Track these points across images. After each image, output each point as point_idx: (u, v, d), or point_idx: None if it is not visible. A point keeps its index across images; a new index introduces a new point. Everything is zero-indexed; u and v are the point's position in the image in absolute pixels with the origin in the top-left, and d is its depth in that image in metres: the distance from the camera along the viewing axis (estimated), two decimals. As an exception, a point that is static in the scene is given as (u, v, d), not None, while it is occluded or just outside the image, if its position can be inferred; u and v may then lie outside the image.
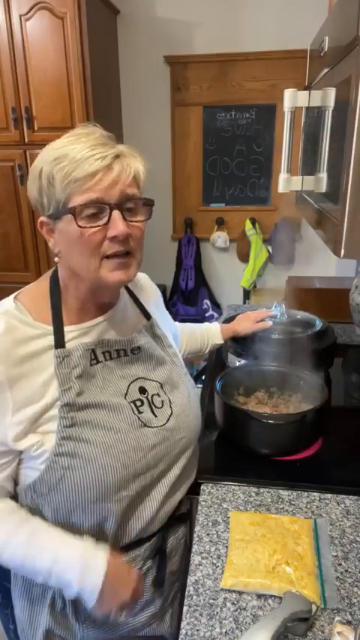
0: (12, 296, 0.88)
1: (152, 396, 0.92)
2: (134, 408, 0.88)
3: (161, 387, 0.94)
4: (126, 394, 0.89)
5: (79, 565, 0.81)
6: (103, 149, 0.77)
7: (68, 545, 0.82)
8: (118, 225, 0.78)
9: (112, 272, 0.82)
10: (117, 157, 0.78)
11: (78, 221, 0.77)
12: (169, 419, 0.92)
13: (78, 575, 0.80)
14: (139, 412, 0.89)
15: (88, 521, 0.85)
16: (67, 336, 0.85)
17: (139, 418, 0.88)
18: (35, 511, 0.86)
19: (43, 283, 0.90)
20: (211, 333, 1.40)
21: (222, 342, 1.41)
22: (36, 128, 2.58)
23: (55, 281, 0.89)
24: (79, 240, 0.79)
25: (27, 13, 2.42)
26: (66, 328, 0.86)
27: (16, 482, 0.88)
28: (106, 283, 0.83)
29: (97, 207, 0.77)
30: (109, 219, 0.78)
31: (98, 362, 0.88)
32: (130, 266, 0.84)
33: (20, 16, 2.42)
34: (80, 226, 0.77)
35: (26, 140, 2.60)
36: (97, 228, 0.78)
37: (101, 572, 0.80)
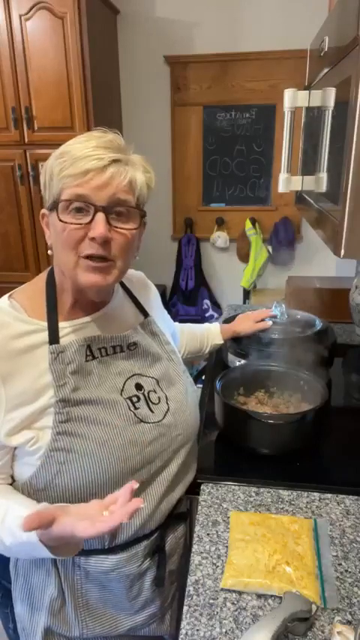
0: (7, 295, 0.89)
1: (149, 392, 0.92)
2: (130, 404, 0.89)
3: (157, 384, 0.94)
4: (122, 390, 0.89)
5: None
6: (104, 152, 0.78)
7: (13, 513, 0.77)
8: (98, 226, 0.79)
9: (86, 273, 0.82)
10: (116, 161, 0.79)
11: (60, 215, 0.79)
12: (165, 415, 0.92)
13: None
14: (135, 408, 0.89)
15: None
16: (61, 332, 0.86)
17: (135, 414, 0.88)
18: None
19: (39, 280, 0.91)
20: (211, 333, 1.41)
21: (222, 342, 1.41)
22: (36, 128, 2.57)
23: (51, 278, 0.90)
24: (61, 235, 0.81)
25: (27, 13, 2.42)
26: (61, 324, 0.86)
27: (12, 479, 0.88)
28: (80, 284, 0.83)
29: (80, 205, 0.79)
30: (92, 219, 0.79)
31: (94, 358, 0.88)
32: (109, 272, 0.84)
33: (20, 16, 2.42)
34: (61, 220, 0.79)
35: (26, 140, 2.60)
36: (77, 226, 0.79)
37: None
